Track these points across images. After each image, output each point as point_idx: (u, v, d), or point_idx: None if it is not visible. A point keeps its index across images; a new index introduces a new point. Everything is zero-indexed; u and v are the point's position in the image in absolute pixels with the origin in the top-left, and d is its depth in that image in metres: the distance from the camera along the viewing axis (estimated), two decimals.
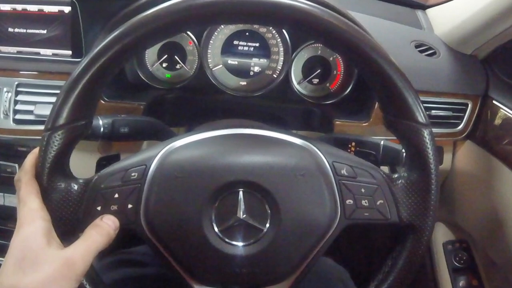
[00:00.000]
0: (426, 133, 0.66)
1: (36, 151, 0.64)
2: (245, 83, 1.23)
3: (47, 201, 0.62)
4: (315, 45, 1.20)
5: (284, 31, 1.17)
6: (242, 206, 0.63)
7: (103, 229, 0.62)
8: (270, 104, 1.24)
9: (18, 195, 0.62)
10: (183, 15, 0.61)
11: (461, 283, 1.44)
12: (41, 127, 0.63)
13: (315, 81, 1.24)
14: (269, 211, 0.64)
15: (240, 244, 0.64)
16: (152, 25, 0.61)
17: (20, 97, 1.06)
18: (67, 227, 0.63)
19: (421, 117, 0.66)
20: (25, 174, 0.63)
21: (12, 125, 1.05)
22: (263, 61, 1.21)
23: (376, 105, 1.12)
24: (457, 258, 1.46)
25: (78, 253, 0.59)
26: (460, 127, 1.24)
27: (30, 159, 0.64)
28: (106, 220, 0.63)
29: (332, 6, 0.93)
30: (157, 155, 0.67)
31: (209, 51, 1.19)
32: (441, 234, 1.53)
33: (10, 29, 1.05)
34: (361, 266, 1.04)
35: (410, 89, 0.65)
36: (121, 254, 0.99)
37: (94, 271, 0.68)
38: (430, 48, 1.25)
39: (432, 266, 1.54)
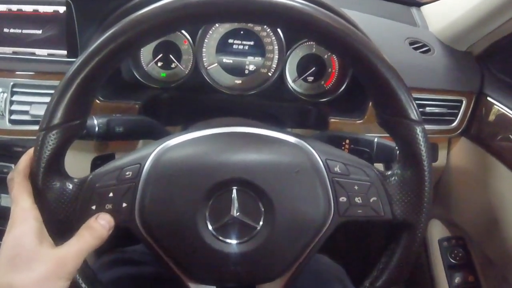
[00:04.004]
0: (418, 130, 0.66)
1: (31, 151, 0.64)
2: (240, 81, 1.23)
3: (42, 200, 0.62)
4: (309, 43, 1.20)
5: (278, 29, 1.17)
6: (235, 204, 0.63)
7: (96, 231, 0.62)
8: (265, 103, 1.24)
9: (10, 194, 0.62)
10: (178, 14, 0.61)
11: (457, 280, 1.44)
12: (37, 127, 0.63)
13: (310, 79, 1.24)
14: (262, 209, 0.64)
15: (234, 242, 0.64)
16: (146, 24, 0.61)
17: (15, 98, 1.05)
18: (62, 226, 0.63)
19: (413, 114, 0.66)
20: (18, 174, 0.63)
21: (8, 126, 1.05)
22: (258, 59, 1.21)
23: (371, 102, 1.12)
24: (453, 255, 1.47)
25: (70, 253, 0.60)
26: (454, 124, 1.24)
27: (25, 159, 0.64)
28: (100, 220, 0.63)
29: (325, 4, 0.94)
30: (151, 154, 0.67)
31: (204, 50, 1.19)
32: (437, 231, 1.54)
33: (6, 30, 1.04)
34: (358, 264, 1.04)
35: (402, 86, 0.65)
36: (118, 253, 1.00)
37: (90, 270, 0.68)
38: (424, 45, 1.25)
39: (428, 263, 1.54)
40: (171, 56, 1.19)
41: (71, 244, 0.61)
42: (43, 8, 1.03)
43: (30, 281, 0.56)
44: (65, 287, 0.59)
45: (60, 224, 0.63)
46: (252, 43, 1.20)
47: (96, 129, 0.88)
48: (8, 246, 0.58)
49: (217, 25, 1.17)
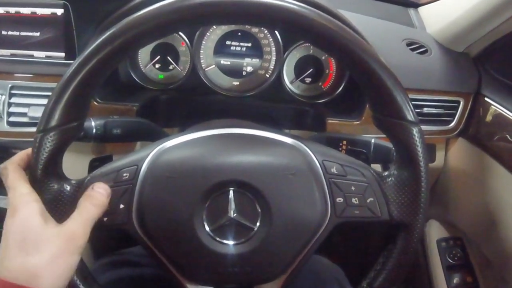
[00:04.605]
0: (415, 131, 0.66)
1: (28, 150, 0.64)
2: (237, 83, 1.23)
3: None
4: (307, 44, 1.20)
5: (276, 31, 1.17)
6: (232, 205, 0.64)
7: (96, 199, 0.63)
8: (263, 104, 1.24)
9: (6, 182, 0.62)
10: (175, 16, 0.61)
11: (455, 280, 1.44)
12: (35, 129, 0.63)
13: (308, 80, 1.24)
14: (259, 210, 0.65)
15: (231, 243, 0.64)
16: (143, 26, 0.61)
17: (14, 100, 1.06)
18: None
19: (410, 115, 0.66)
20: (11, 163, 0.63)
21: (6, 128, 1.05)
22: (256, 61, 1.21)
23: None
24: (451, 255, 1.47)
25: (77, 226, 0.60)
26: (452, 124, 1.24)
27: (21, 153, 0.65)
28: (97, 188, 0.64)
29: (322, 6, 0.94)
30: (148, 156, 0.67)
31: (201, 51, 1.19)
32: (435, 232, 1.54)
33: (4, 32, 1.04)
34: (356, 265, 1.04)
35: (398, 87, 0.65)
36: (115, 255, 1.00)
37: (88, 271, 0.68)
38: (422, 46, 1.25)
39: (426, 263, 1.54)
40: (168, 58, 1.20)
41: (74, 217, 0.61)
42: (41, 11, 1.03)
43: (43, 261, 0.56)
44: (77, 262, 0.60)
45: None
46: (249, 44, 1.20)
47: (94, 131, 0.88)
48: (15, 231, 0.58)
49: (214, 26, 1.17)
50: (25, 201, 0.60)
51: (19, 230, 0.58)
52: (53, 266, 0.57)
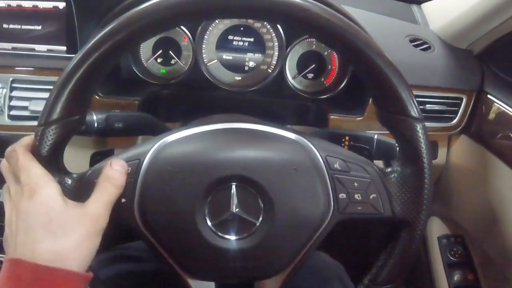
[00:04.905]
0: (419, 127, 0.66)
1: (32, 136, 0.63)
2: (240, 78, 1.23)
3: None
4: (309, 39, 1.20)
5: (278, 26, 1.17)
6: (235, 200, 0.63)
7: (116, 179, 0.63)
8: (265, 99, 1.24)
9: (16, 165, 0.60)
10: (177, 10, 0.61)
11: (456, 278, 1.44)
12: (36, 123, 0.63)
13: (310, 76, 1.24)
14: (262, 205, 0.64)
15: (233, 238, 0.64)
16: (145, 20, 0.61)
17: (15, 93, 1.05)
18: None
19: (414, 111, 0.66)
20: (20, 146, 0.62)
21: (7, 121, 1.05)
22: (258, 56, 1.21)
23: (371, 99, 1.12)
24: (452, 253, 1.47)
25: (99, 208, 0.60)
26: (454, 121, 1.24)
27: (26, 138, 0.64)
28: (115, 166, 0.63)
29: (325, 1, 0.93)
30: (150, 150, 0.67)
31: (203, 46, 1.19)
32: (436, 229, 1.54)
33: (5, 25, 1.04)
34: (358, 261, 1.04)
35: (403, 83, 0.65)
36: (117, 250, 1.00)
37: (89, 266, 0.68)
38: (425, 43, 1.25)
39: (428, 261, 1.54)
40: (170, 52, 1.19)
41: (96, 198, 0.61)
42: (42, 4, 1.03)
43: (71, 243, 0.56)
44: (99, 243, 0.60)
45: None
46: (252, 39, 1.20)
47: (95, 124, 0.87)
48: (39, 213, 0.57)
49: (217, 21, 1.17)
50: (43, 182, 0.59)
51: (42, 211, 0.57)
52: (81, 248, 0.58)
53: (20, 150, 0.61)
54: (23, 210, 0.57)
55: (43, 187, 0.58)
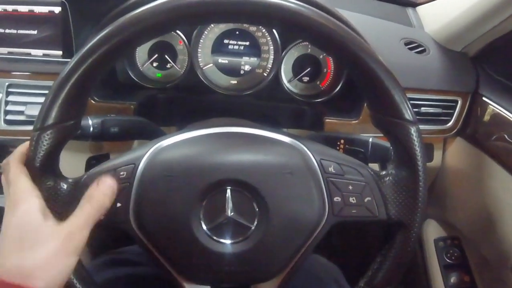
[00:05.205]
0: (413, 130, 0.66)
1: (27, 143, 0.63)
2: (235, 82, 1.23)
3: None
4: (305, 43, 1.20)
5: (273, 29, 1.17)
6: (230, 204, 0.64)
7: (97, 200, 0.61)
8: (261, 103, 1.24)
9: (6, 177, 0.61)
10: (172, 14, 0.61)
11: (453, 280, 1.44)
12: (32, 128, 0.63)
13: (305, 79, 1.24)
14: (257, 209, 0.65)
15: (228, 242, 0.64)
16: (141, 25, 0.61)
17: (11, 98, 1.05)
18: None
19: (408, 114, 0.66)
20: (14, 158, 0.63)
21: (3, 126, 1.05)
22: (254, 59, 1.21)
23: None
24: (449, 255, 1.47)
25: (75, 228, 0.58)
26: (450, 124, 1.24)
27: (21, 146, 0.64)
28: (101, 186, 0.62)
29: (320, 5, 0.94)
30: (145, 154, 0.67)
31: (199, 50, 1.19)
32: (433, 231, 1.54)
33: (1, 30, 1.04)
34: (354, 264, 1.04)
35: (397, 86, 0.65)
36: (113, 254, 1.00)
37: (85, 270, 0.68)
38: (420, 46, 1.25)
39: (424, 263, 1.54)
40: (166, 56, 1.19)
41: (75, 218, 0.59)
42: (38, 9, 1.03)
43: (40, 260, 0.55)
44: (74, 264, 0.58)
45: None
46: (247, 43, 1.20)
47: (91, 129, 0.88)
48: (14, 226, 0.57)
49: (212, 25, 1.17)
50: (25, 197, 0.59)
51: (17, 225, 0.57)
52: (50, 265, 0.55)
53: (12, 163, 0.62)
54: (4, 223, 0.58)
55: (24, 200, 0.58)
